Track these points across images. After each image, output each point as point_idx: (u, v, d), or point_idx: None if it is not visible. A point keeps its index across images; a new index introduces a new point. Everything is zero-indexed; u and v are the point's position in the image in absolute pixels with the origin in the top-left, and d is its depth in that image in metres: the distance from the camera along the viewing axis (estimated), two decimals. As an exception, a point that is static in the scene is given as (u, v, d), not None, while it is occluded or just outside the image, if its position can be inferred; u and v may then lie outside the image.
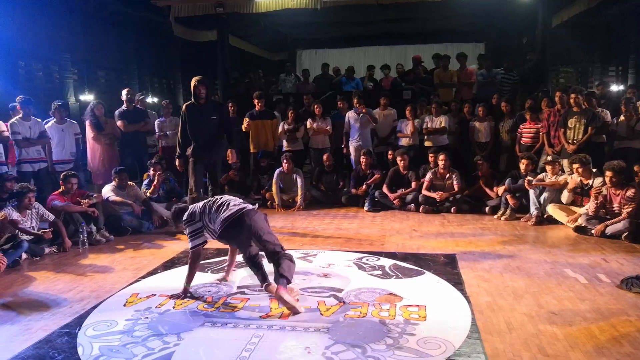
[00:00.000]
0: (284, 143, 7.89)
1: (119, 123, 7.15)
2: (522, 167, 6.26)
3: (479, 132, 7.58)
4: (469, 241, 5.23)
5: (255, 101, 7.74)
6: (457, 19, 12.55)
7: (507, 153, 7.45)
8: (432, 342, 2.92)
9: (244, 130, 7.81)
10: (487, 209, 6.57)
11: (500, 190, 6.36)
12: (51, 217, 5.25)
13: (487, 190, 6.69)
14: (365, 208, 6.94)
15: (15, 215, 4.92)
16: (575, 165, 5.64)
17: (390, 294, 3.72)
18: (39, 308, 3.62)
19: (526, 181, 6.02)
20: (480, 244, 5.12)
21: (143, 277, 4.26)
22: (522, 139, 7.05)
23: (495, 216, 6.31)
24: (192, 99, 5.53)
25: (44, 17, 9.68)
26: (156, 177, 6.58)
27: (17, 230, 4.88)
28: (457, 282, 3.95)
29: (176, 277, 4.21)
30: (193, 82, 5.51)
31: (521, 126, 7.09)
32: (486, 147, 7.49)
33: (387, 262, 4.50)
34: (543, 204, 5.95)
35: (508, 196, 6.22)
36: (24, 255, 4.83)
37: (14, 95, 6.71)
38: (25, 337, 3.09)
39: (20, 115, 6.34)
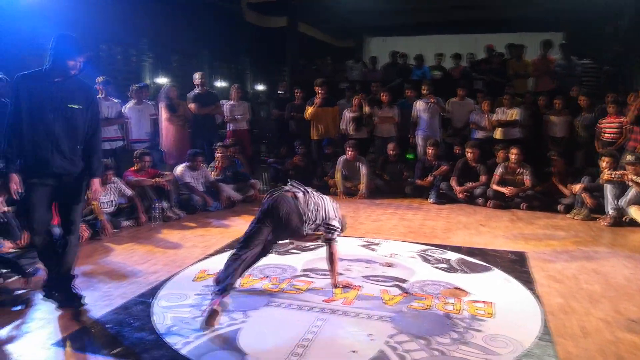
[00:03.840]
0: (349, 130, 7.85)
1: (191, 106, 7.40)
2: (603, 164, 5.88)
3: (555, 126, 7.21)
4: (540, 239, 5.02)
5: (317, 89, 7.75)
6: (534, 6, 11.93)
7: (584, 149, 7.03)
8: (500, 340, 2.83)
9: (306, 119, 7.84)
10: (560, 207, 6.26)
11: (576, 188, 6.03)
12: (129, 192, 5.54)
13: (561, 187, 6.37)
14: (430, 200, 6.82)
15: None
16: None
17: (456, 288, 3.64)
18: (117, 277, 3.85)
19: (605, 176, 5.66)
20: (552, 243, 4.89)
21: (211, 255, 4.42)
22: (603, 134, 6.62)
23: (569, 215, 6.00)
24: (49, 70, 3.17)
25: (125, 3, 10.14)
26: (219, 159, 6.78)
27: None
28: (526, 281, 3.80)
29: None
30: (61, 43, 3.15)
31: (601, 120, 6.65)
32: (561, 142, 7.11)
33: (453, 256, 4.41)
34: (625, 205, 5.58)
35: (585, 195, 5.89)
36: (104, 227, 5.14)
37: (96, 77, 7.09)
38: (105, 303, 3.31)
39: (102, 95, 6.70)
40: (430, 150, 7.05)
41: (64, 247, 3.29)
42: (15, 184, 3.14)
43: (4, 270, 3.57)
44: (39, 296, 3.39)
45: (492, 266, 4.14)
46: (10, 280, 3.63)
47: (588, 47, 9.23)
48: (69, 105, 3.20)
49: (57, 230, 3.46)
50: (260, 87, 15.17)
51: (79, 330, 2.92)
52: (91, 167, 3.35)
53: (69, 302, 3.28)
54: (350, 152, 7.14)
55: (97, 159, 3.39)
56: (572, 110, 7.24)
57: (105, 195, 5.36)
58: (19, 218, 3.91)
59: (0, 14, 6.66)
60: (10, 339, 2.83)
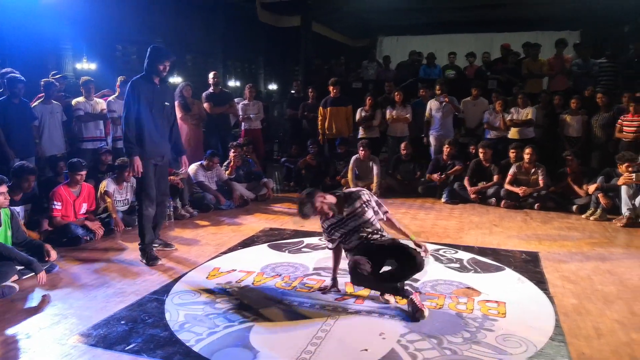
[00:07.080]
0: (360, 130, 7.85)
1: (205, 105, 7.45)
2: (622, 168, 5.70)
3: (570, 126, 7.12)
4: (554, 240, 4.97)
5: (330, 88, 7.76)
6: (552, 5, 11.81)
7: (600, 150, 6.92)
8: (512, 340, 2.82)
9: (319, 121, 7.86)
10: (574, 207, 6.19)
11: (591, 188, 5.95)
12: (142, 191, 5.59)
13: (576, 187, 6.30)
14: (443, 199, 6.78)
15: (112, 187, 5.32)
16: None
17: (468, 287, 3.63)
18: (130, 274, 3.90)
19: (622, 180, 5.56)
20: (566, 243, 4.84)
21: (224, 253, 4.46)
22: (623, 132, 6.48)
23: (584, 216, 5.93)
24: (148, 75, 4.14)
25: (139, 2, 10.23)
26: (233, 158, 6.82)
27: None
28: (539, 281, 3.77)
29: (254, 255, 4.39)
30: (153, 52, 4.13)
31: (622, 117, 6.51)
32: (577, 142, 7.03)
33: (465, 256, 4.39)
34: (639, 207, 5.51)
35: (600, 195, 5.81)
36: (118, 225, 5.21)
37: (112, 76, 7.17)
38: (119, 300, 3.35)
39: (117, 95, 6.78)
40: (446, 149, 7.01)
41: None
42: (138, 165, 4.06)
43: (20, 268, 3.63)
44: (56, 293, 3.47)
45: (504, 266, 4.12)
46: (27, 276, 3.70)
47: (605, 46, 9.07)
48: (165, 103, 4.24)
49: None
50: (272, 87, 15.22)
51: (93, 326, 2.96)
52: (180, 148, 4.50)
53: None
54: (362, 152, 7.13)
55: (181, 142, 4.58)
56: (588, 110, 7.15)
57: (120, 194, 5.43)
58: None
59: (22, 14, 6.78)
60: (25, 335, 2.88)
